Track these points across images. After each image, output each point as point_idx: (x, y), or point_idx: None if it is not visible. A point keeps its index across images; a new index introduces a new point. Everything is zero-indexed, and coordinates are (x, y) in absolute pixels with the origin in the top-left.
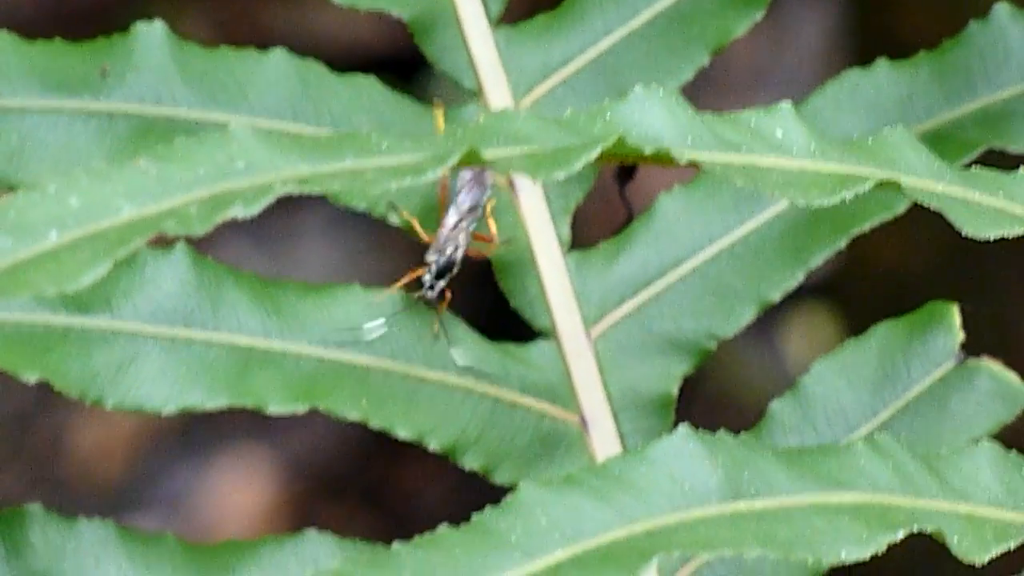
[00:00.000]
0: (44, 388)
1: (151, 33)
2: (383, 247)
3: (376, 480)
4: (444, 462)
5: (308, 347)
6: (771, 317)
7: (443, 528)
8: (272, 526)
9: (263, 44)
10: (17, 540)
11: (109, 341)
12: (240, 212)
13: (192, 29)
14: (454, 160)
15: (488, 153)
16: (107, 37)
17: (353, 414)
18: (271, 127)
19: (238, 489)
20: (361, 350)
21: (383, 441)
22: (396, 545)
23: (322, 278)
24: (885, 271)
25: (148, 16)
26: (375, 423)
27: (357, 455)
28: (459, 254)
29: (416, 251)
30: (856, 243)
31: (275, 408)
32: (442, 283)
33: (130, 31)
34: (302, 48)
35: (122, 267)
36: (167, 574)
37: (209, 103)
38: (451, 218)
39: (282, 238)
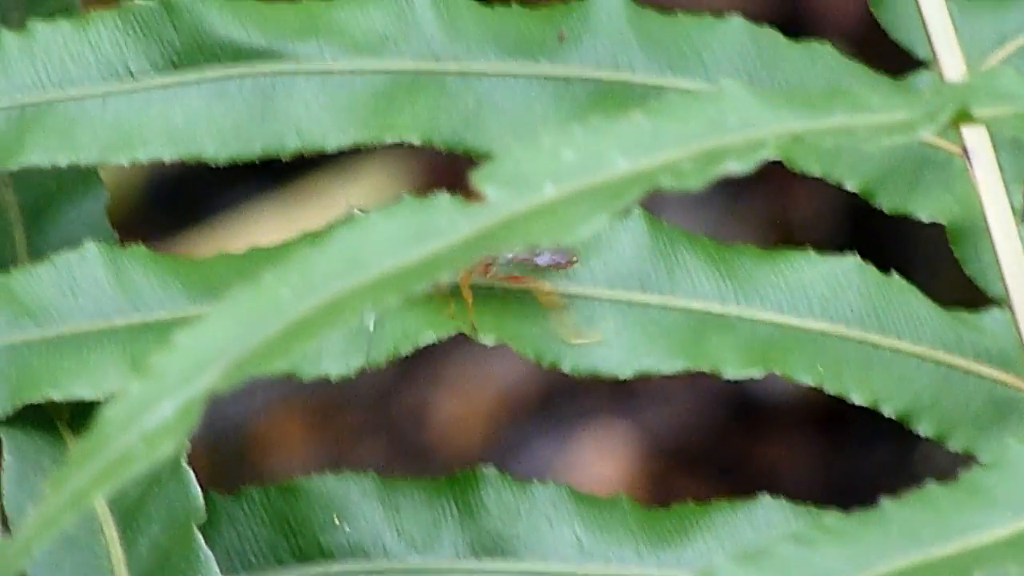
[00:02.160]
0: (405, 363)
1: None
2: (743, 221)
3: (734, 456)
4: (803, 437)
5: (764, 312)
6: None
7: (930, 484)
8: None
9: None
10: (471, 502)
11: (566, 304)
12: (734, 168)
13: None
14: (945, 118)
15: (978, 111)
16: (564, 2)
17: (807, 379)
18: None
19: (598, 464)
20: (816, 316)
21: (741, 416)
22: (884, 501)
23: None
24: None
25: None
26: (830, 388)
27: (715, 430)
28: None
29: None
30: None
31: (731, 372)
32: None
33: None
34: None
35: None
36: (621, 536)
37: (665, 68)
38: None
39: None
